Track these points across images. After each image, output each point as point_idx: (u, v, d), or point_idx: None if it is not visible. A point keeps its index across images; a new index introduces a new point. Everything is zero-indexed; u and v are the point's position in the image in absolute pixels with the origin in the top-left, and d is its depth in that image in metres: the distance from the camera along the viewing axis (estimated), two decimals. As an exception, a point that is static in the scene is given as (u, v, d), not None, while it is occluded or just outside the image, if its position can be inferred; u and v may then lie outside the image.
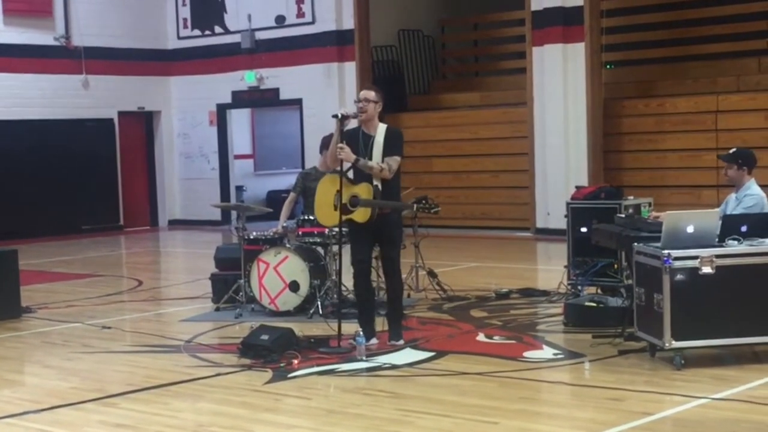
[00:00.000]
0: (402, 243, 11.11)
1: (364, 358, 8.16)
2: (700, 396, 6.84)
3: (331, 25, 20.08)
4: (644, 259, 7.78)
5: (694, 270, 7.45)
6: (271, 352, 8.19)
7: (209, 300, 11.21)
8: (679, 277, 7.44)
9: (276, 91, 21.14)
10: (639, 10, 18.52)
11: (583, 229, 10.22)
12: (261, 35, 21.07)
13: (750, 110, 16.38)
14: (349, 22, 19.87)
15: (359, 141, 8.56)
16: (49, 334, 10.05)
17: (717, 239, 7.67)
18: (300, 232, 10.65)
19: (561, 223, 11.20)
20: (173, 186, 22.85)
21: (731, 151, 8.71)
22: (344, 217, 8.56)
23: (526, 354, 8.36)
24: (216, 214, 21.38)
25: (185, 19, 22.36)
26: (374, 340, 8.69)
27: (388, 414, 6.68)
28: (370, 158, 8.50)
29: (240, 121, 23.69)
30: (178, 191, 22.83)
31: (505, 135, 18.88)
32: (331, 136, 9.06)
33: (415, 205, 10.00)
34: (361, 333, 8.32)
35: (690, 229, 7.58)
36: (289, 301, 10.32)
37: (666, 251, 7.43)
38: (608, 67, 18.16)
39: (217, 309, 10.84)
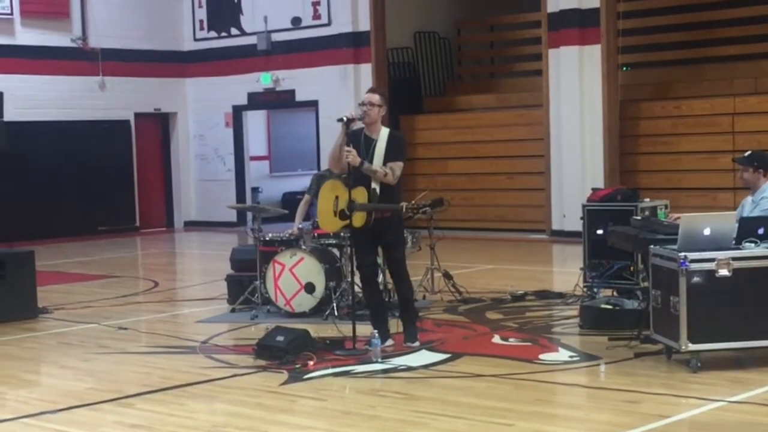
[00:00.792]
0: (417, 244, 11.16)
1: (379, 359, 8.17)
2: (716, 399, 6.82)
3: (347, 26, 20.08)
4: (660, 262, 7.76)
5: (711, 272, 7.43)
6: (286, 353, 8.20)
7: (225, 301, 11.24)
8: (695, 279, 7.42)
9: (292, 92, 21.16)
10: (655, 12, 18.47)
11: (599, 232, 10.18)
12: (277, 37, 21.09)
13: (767, 112, 16.31)
14: (365, 24, 19.88)
15: (361, 144, 8.54)
16: (65, 334, 10.08)
17: (734, 242, 7.65)
18: (315, 234, 10.64)
19: (577, 225, 11.17)
20: (189, 187, 22.87)
21: (747, 154, 8.66)
22: (344, 223, 8.55)
23: (542, 356, 8.35)
24: (232, 216, 21.40)
25: (201, 21, 22.40)
26: (390, 342, 8.70)
27: (403, 416, 6.68)
28: (371, 161, 8.48)
29: (256, 122, 23.74)
30: (194, 192, 22.86)
31: (521, 137, 18.88)
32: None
33: (404, 206, 9.85)
34: (377, 335, 8.32)
35: (707, 232, 7.56)
36: (305, 302, 10.32)
37: (682, 254, 7.41)
38: (624, 69, 18.11)
39: (233, 310, 10.86)
